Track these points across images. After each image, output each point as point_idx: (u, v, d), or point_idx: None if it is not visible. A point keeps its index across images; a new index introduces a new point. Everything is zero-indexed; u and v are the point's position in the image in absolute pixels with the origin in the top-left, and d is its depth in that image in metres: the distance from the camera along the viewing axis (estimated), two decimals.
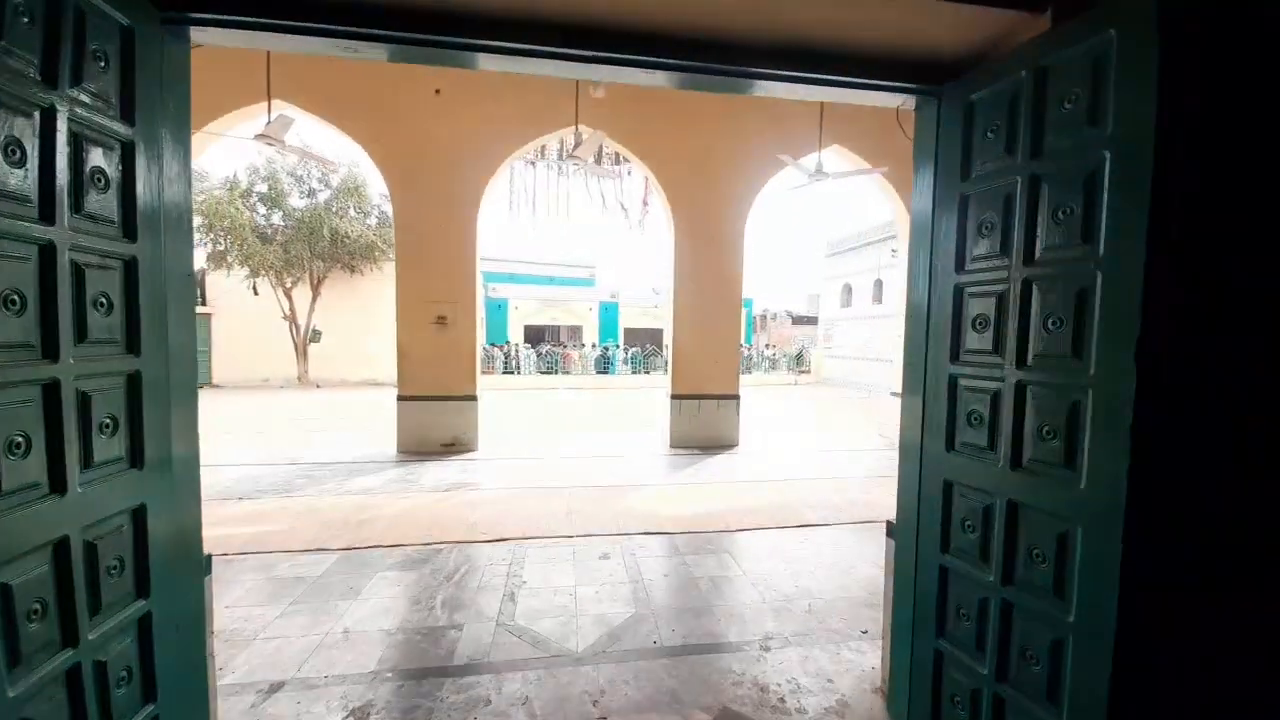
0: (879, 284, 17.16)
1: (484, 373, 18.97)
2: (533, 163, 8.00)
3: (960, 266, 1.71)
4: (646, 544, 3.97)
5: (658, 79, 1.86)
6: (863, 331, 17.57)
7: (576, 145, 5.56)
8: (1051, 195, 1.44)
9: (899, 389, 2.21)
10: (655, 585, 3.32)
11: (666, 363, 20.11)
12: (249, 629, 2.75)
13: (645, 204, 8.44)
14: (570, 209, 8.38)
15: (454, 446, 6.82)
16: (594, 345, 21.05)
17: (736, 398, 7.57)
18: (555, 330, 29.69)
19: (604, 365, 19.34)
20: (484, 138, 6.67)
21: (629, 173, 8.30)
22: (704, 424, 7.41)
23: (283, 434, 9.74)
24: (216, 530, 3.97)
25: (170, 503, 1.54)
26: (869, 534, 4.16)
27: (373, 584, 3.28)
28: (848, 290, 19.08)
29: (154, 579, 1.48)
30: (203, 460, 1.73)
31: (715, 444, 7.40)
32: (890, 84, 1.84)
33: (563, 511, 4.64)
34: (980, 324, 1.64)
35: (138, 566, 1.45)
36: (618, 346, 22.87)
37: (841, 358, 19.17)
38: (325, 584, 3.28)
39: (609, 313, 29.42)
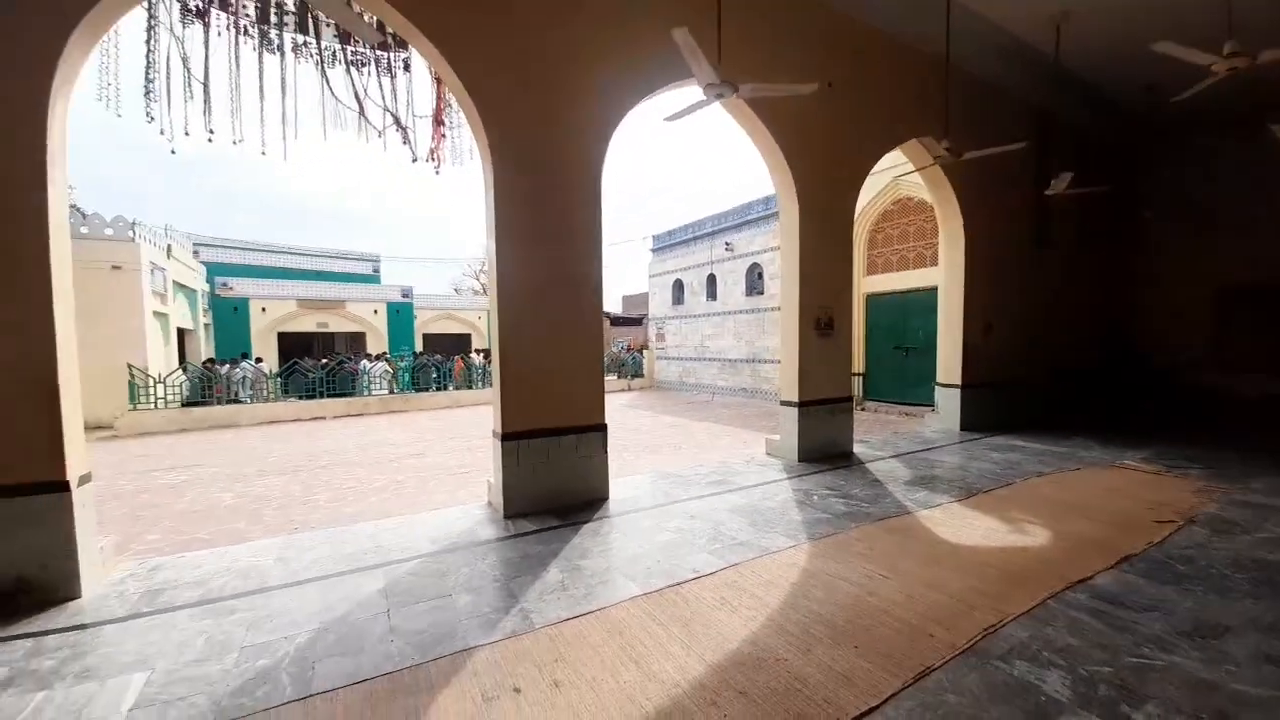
0: (712, 279, 16.22)
1: (190, 404, 12.62)
2: (197, 11, 4.15)
3: None
4: None
5: None
6: (702, 329, 16.44)
7: None
8: None
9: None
10: None
11: (473, 376, 16.20)
12: None
13: (440, 124, 5.24)
14: (291, 114, 4.72)
15: (25, 596, 2.95)
16: (375, 357, 16.33)
17: (602, 428, 5.02)
18: (328, 339, 23.56)
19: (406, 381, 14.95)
20: None
21: (405, 66, 5.03)
22: (553, 473, 4.71)
23: None
24: None
25: None
26: None
27: None
28: (679, 286, 17.91)
29: None
30: None
31: (572, 501, 4.75)
32: None
33: None
34: None
35: None
36: (413, 355, 18.48)
37: (676, 359, 17.89)
38: None
39: (401, 316, 24.42)
